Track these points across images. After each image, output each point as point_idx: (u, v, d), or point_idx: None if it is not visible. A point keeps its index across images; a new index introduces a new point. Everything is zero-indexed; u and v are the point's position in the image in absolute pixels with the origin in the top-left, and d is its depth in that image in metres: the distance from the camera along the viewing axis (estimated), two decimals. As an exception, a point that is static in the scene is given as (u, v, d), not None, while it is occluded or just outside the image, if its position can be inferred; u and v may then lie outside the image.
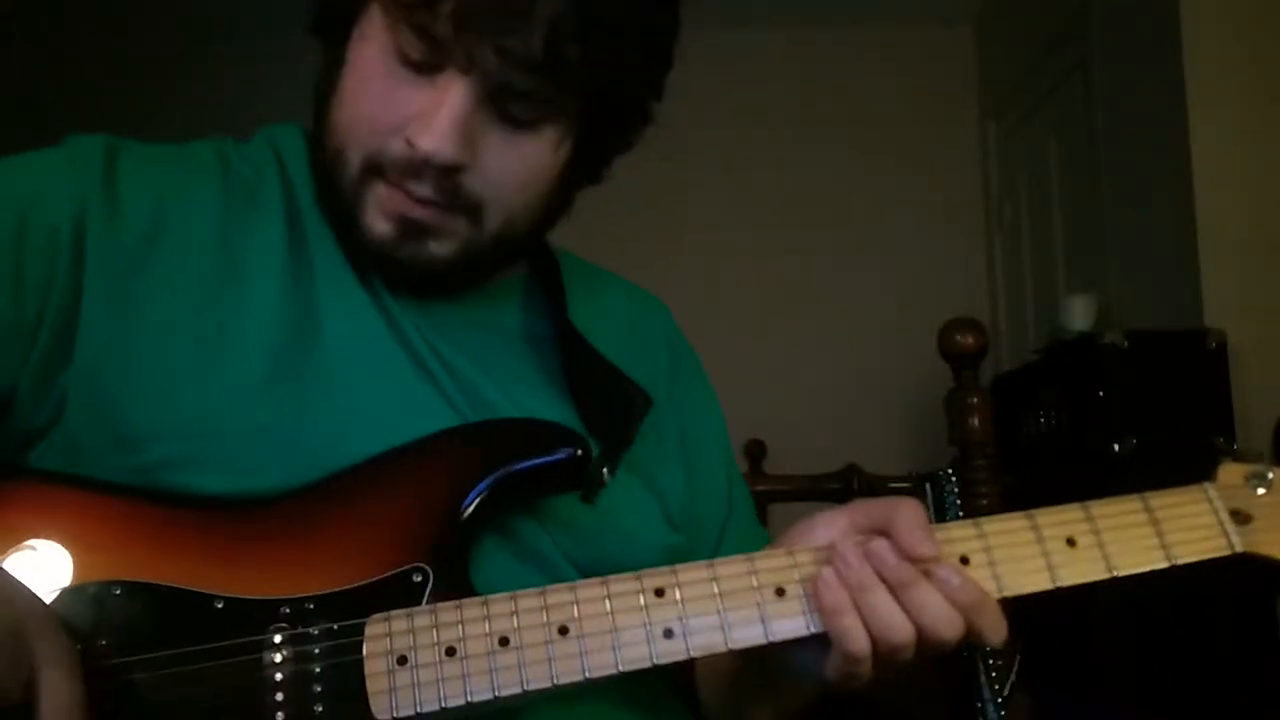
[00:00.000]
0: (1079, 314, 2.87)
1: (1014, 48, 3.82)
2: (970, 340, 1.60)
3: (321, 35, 0.83)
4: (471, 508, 0.73)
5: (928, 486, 1.50)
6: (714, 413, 1.01)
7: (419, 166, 0.76)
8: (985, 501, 1.46)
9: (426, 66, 0.76)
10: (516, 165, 0.79)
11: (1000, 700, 1.40)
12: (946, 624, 0.69)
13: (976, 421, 1.56)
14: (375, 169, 0.78)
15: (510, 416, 0.81)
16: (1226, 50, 2.64)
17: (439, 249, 0.80)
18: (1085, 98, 3.27)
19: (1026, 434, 2.75)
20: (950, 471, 1.50)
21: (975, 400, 1.58)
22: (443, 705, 0.66)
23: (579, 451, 0.76)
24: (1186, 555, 0.76)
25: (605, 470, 0.78)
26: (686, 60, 0.86)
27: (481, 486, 0.73)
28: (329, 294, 0.81)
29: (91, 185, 0.78)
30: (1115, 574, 0.74)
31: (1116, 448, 2.26)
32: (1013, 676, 1.43)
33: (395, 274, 0.82)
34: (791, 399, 3.72)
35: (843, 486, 1.64)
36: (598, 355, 0.88)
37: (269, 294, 0.79)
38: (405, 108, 0.76)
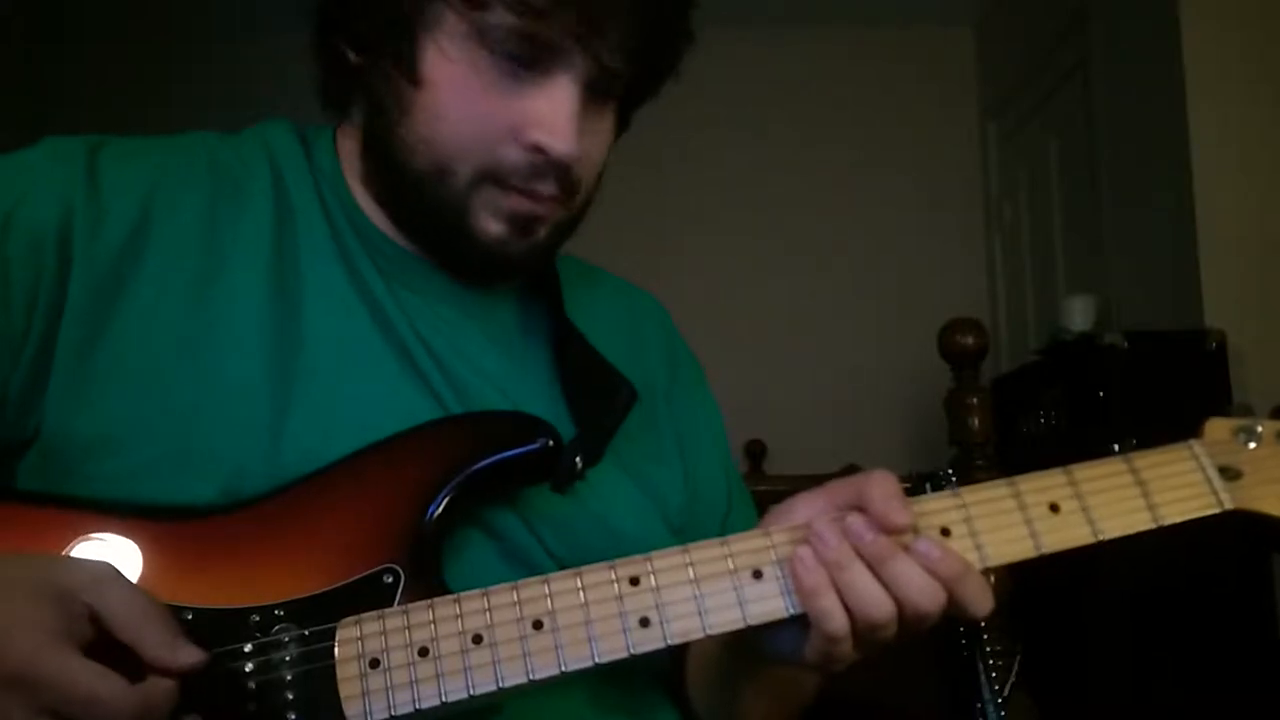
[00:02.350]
0: (1079, 314, 2.87)
1: (1014, 48, 3.82)
2: (970, 340, 1.60)
3: (367, 53, 0.81)
4: (441, 505, 0.72)
5: (928, 486, 1.50)
6: (713, 416, 1.00)
7: (543, 168, 0.78)
8: (985, 501, 1.46)
9: (529, 66, 0.76)
10: (601, 142, 0.83)
11: (1000, 700, 1.40)
12: (927, 597, 0.67)
13: (976, 421, 1.56)
14: (491, 177, 0.78)
15: (482, 409, 0.81)
16: (1226, 50, 2.64)
17: (539, 236, 0.82)
18: (1085, 98, 3.27)
19: (1026, 434, 2.75)
20: (950, 471, 1.50)
21: (975, 400, 1.58)
22: (417, 707, 0.65)
23: (549, 442, 0.75)
24: (1174, 515, 0.73)
25: (578, 460, 0.77)
26: (686, 59, 0.86)
27: (450, 484, 0.73)
28: (314, 292, 0.80)
29: (75, 186, 0.76)
30: (1101, 538, 0.72)
31: (1116, 448, 2.25)
32: (1013, 677, 1.43)
33: (496, 269, 0.83)
34: (791, 399, 3.72)
35: (843, 487, 1.64)
36: (590, 349, 0.87)
37: (252, 292, 0.78)
38: (515, 115, 0.77)
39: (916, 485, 1.65)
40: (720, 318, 3.36)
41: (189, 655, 0.62)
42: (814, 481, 1.89)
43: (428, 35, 0.77)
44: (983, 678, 1.40)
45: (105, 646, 0.60)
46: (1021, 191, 3.82)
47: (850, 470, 1.70)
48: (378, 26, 0.79)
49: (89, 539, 0.69)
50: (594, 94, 0.79)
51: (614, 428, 0.82)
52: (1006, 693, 1.41)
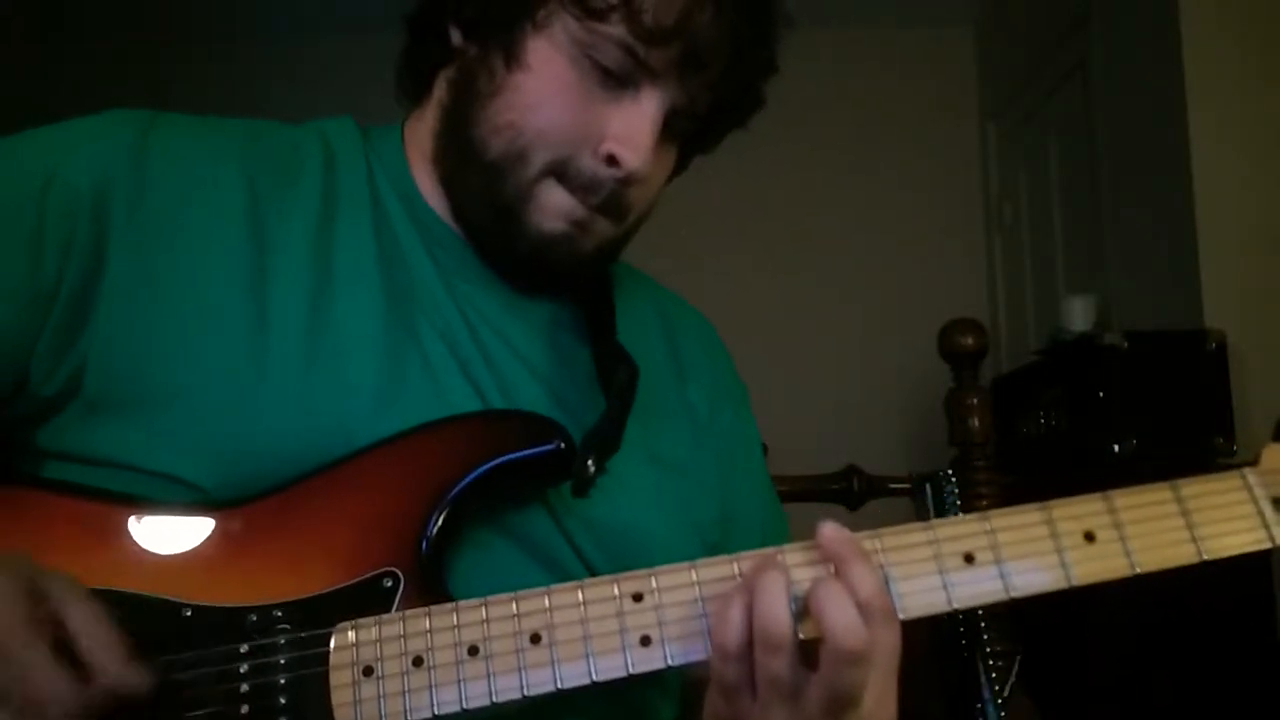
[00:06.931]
0: (1079, 314, 2.86)
1: (1014, 48, 3.82)
2: (970, 340, 1.60)
3: (474, 34, 0.83)
4: (446, 509, 0.71)
5: (928, 486, 1.50)
6: (753, 438, 0.99)
7: (605, 181, 0.80)
8: (985, 502, 1.46)
9: (622, 84, 0.79)
10: (660, 174, 0.86)
11: (1000, 700, 1.40)
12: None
13: (976, 421, 1.56)
14: (557, 173, 0.80)
15: (519, 401, 0.80)
16: (1226, 50, 2.64)
17: (585, 247, 0.83)
18: (1085, 98, 3.27)
19: (1026, 434, 2.75)
20: (950, 472, 1.50)
21: (975, 400, 1.57)
22: (408, 718, 0.65)
23: (560, 445, 0.74)
24: (1220, 550, 0.68)
25: (590, 463, 0.76)
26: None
27: (456, 487, 0.72)
28: (347, 279, 0.80)
29: (119, 153, 0.78)
30: (1139, 571, 0.67)
31: (1116, 448, 2.26)
32: (1012, 677, 1.43)
33: (540, 270, 0.84)
34: (791, 399, 3.71)
35: (843, 487, 1.64)
36: (618, 345, 0.87)
37: (291, 273, 0.78)
38: (597, 123, 0.79)
39: (916, 485, 1.66)
40: (719, 318, 3.34)
41: (136, 677, 0.62)
42: (814, 482, 1.88)
43: (538, 28, 0.80)
44: (983, 678, 1.40)
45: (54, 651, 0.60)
46: (1021, 191, 3.82)
47: (850, 471, 1.70)
48: (493, 10, 0.81)
49: (97, 529, 0.69)
50: (668, 128, 0.82)
51: (624, 412, 0.81)
52: (1006, 693, 1.41)
